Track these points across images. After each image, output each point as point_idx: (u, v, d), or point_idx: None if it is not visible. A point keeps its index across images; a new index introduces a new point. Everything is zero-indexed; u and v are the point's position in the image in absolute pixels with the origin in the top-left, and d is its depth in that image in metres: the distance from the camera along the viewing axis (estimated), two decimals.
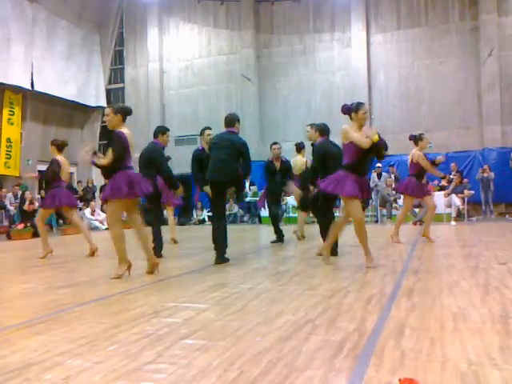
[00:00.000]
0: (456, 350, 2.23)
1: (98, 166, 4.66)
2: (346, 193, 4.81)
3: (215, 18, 18.37)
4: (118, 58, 19.76)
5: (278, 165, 8.38)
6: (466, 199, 12.54)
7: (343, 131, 4.86)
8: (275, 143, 8.79)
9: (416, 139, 7.40)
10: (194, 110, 18.36)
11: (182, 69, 18.68)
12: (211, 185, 5.75)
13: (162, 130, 6.54)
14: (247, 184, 16.25)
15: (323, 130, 6.20)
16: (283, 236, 8.25)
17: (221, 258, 5.60)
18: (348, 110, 4.94)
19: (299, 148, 8.46)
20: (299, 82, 17.26)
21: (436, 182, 13.47)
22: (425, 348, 2.27)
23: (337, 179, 4.85)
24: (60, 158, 6.85)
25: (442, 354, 2.19)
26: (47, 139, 13.62)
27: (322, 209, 6.02)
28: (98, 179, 15.58)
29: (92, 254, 6.78)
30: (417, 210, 12.04)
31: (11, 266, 6.25)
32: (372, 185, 13.87)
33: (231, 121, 5.86)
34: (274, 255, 6.92)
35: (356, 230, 4.91)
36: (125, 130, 4.66)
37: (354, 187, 4.76)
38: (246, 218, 16.02)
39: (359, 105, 4.91)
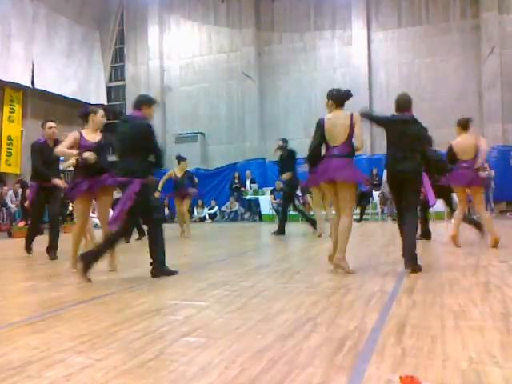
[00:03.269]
0: (457, 348, 2.23)
1: None
2: None
3: (216, 15, 18.33)
4: (119, 56, 19.73)
5: None
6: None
7: None
8: None
9: None
10: (195, 107, 18.34)
11: (183, 66, 18.65)
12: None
13: (147, 101, 4.82)
14: (247, 182, 16.27)
15: None
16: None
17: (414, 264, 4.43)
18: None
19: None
20: (300, 79, 17.23)
21: None
22: (425, 346, 2.27)
23: None
24: None
25: (443, 351, 2.19)
26: None
27: None
28: None
29: None
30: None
31: (12, 264, 6.25)
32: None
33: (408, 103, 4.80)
34: (274, 253, 6.93)
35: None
36: None
37: None
38: (246, 216, 16.04)
39: None
